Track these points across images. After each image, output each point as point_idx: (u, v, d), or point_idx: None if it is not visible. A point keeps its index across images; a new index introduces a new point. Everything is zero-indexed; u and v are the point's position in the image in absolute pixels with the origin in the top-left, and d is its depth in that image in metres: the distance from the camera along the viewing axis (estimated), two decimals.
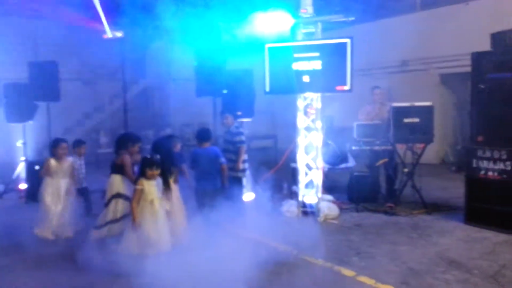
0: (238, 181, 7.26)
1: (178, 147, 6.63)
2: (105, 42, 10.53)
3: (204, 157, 6.58)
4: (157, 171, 5.17)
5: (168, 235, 5.18)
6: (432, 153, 10.44)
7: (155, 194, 5.15)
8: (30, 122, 9.16)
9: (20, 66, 9.42)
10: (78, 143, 7.39)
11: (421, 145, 7.51)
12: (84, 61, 14.01)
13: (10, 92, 8.92)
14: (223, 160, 6.64)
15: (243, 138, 7.31)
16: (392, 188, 7.93)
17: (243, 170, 7.36)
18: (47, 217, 6.21)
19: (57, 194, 6.31)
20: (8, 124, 9.19)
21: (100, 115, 15.73)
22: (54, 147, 6.47)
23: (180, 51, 14.09)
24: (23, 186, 8.91)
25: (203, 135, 6.75)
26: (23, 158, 9.12)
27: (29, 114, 8.99)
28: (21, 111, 8.87)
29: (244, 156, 7.33)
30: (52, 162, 6.39)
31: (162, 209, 5.18)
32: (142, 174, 5.15)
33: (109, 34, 9.52)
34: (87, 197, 7.37)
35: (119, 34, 10.13)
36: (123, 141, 6.06)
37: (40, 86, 8.75)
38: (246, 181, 7.53)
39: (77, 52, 13.22)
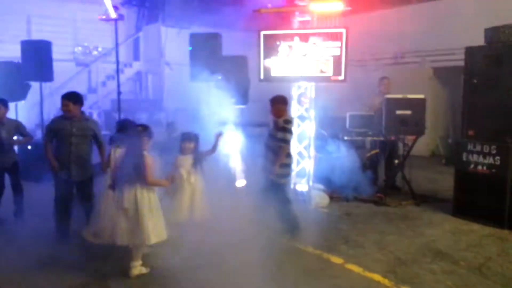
0: (276, 186, 5.67)
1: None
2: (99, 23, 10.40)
3: None
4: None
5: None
6: (422, 145, 10.50)
7: None
8: (22, 102, 9.05)
9: (13, 45, 9.30)
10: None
11: (412, 137, 7.59)
12: (78, 41, 13.89)
13: (3, 70, 8.81)
14: None
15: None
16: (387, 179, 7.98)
17: (285, 175, 5.79)
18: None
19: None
20: None
21: (93, 97, 15.60)
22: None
23: (175, 35, 14.00)
24: None
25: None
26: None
27: (21, 93, 8.89)
28: (14, 90, 8.75)
29: (286, 160, 5.70)
30: None
31: None
32: None
33: (112, 14, 9.39)
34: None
35: (113, 15, 10.00)
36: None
37: (33, 66, 8.64)
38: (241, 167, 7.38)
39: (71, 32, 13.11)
